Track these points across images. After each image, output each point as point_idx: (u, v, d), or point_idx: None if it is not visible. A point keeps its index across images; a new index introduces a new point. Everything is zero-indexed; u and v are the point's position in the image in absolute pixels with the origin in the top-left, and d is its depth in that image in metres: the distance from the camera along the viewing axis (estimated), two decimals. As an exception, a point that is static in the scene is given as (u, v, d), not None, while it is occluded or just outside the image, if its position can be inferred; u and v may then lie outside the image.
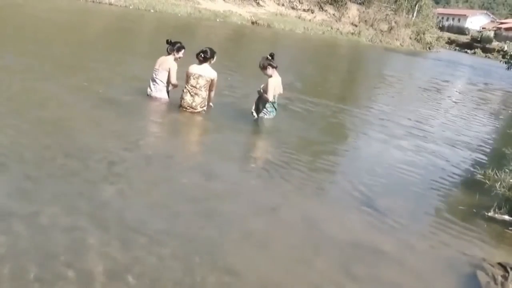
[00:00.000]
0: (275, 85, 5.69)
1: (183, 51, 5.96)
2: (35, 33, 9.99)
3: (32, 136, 4.08)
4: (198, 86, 5.62)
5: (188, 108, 5.67)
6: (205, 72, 5.66)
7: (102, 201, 3.19)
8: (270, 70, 5.66)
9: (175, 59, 5.92)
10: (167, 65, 5.86)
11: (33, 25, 11.27)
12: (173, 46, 5.90)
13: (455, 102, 11.93)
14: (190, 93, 5.64)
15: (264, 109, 5.82)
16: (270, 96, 5.69)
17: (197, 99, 5.65)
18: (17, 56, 7.10)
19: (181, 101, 5.71)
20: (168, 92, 6.00)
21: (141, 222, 3.03)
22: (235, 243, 3.05)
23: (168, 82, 5.94)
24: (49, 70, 6.63)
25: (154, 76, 5.92)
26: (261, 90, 5.77)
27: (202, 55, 5.65)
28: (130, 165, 3.88)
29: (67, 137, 4.22)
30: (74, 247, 2.64)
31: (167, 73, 5.88)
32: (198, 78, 5.62)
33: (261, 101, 5.84)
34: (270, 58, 5.69)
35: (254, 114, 5.83)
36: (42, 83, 5.83)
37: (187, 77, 5.66)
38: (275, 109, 5.88)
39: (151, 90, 5.95)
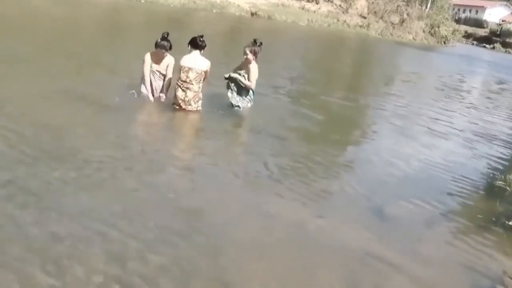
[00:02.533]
0: (257, 72, 6.06)
1: (158, 49, 5.81)
2: (20, 26, 9.98)
3: (18, 139, 4.08)
4: (188, 80, 5.63)
5: (181, 104, 5.68)
6: (196, 63, 5.65)
7: (88, 208, 3.18)
8: (253, 57, 6.05)
9: (154, 55, 5.86)
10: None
11: (19, 16, 11.27)
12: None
13: (475, 101, 11.92)
14: (181, 88, 5.66)
15: (247, 97, 6.15)
16: (254, 84, 6.08)
17: (189, 94, 5.67)
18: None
19: (174, 97, 5.74)
20: (153, 90, 5.97)
21: (130, 230, 3.03)
22: (232, 253, 3.04)
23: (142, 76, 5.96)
24: (30, 66, 6.62)
25: None
26: (241, 77, 6.04)
27: (202, 40, 5.66)
28: (117, 169, 3.88)
29: (53, 138, 4.22)
30: (60, 260, 2.63)
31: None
32: (188, 71, 5.62)
33: (242, 89, 6.11)
34: (259, 45, 6.05)
35: (234, 102, 6.10)
36: (25, 82, 5.83)
37: (178, 71, 5.68)
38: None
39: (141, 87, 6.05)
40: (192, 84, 5.65)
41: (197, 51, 5.70)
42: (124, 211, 3.25)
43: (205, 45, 5.75)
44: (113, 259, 2.71)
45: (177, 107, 5.71)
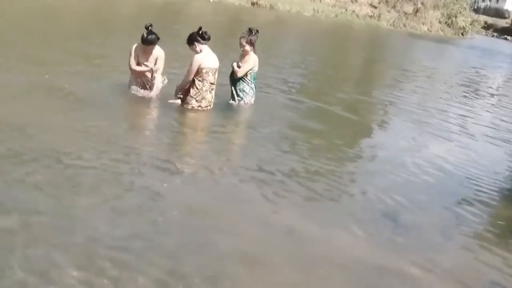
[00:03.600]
0: (254, 63, 6.11)
1: (145, 44, 5.77)
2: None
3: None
4: (215, 81, 5.80)
5: (208, 107, 5.81)
6: (217, 62, 5.78)
7: (77, 217, 3.17)
8: (251, 48, 6.08)
9: (140, 49, 5.84)
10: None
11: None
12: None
13: (501, 99, 11.90)
14: (209, 90, 5.75)
15: (250, 92, 6.22)
16: (242, 72, 6.08)
17: (213, 94, 5.85)
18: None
19: (200, 101, 5.72)
20: (143, 84, 5.98)
21: (120, 239, 3.02)
22: (231, 265, 3.02)
23: (137, 73, 5.92)
24: (7, 55, 6.60)
25: None
26: (235, 67, 6.13)
27: (204, 31, 5.63)
28: (106, 173, 3.87)
29: (35, 138, 4.21)
30: (39, 274, 2.62)
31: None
32: (215, 73, 5.75)
33: (236, 84, 6.19)
34: (254, 34, 6.06)
35: (232, 100, 6.21)
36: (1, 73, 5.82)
37: (202, 72, 5.63)
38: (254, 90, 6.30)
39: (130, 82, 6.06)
40: (215, 84, 5.81)
41: (207, 46, 5.71)
42: (113, 217, 3.24)
43: (210, 36, 5.74)
44: (100, 270, 2.70)
45: (194, 108, 5.73)
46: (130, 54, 5.85)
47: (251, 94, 6.25)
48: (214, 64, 5.71)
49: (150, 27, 5.66)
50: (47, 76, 6.03)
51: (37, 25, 9.95)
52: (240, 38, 6.08)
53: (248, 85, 6.19)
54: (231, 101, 6.22)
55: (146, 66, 5.82)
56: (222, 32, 14.49)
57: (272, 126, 5.92)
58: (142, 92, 5.93)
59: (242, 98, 6.20)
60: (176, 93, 5.84)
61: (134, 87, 5.95)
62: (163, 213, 3.46)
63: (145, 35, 5.65)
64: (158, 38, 5.75)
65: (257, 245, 3.30)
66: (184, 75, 5.76)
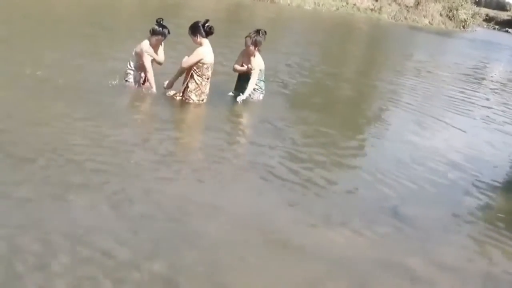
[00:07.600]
0: (258, 65, 6.14)
1: (158, 37, 5.85)
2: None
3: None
4: (210, 75, 5.82)
5: (204, 99, 5.84)
6: (213, 57, 5.76)
7: (73, 217, 3.18)
8: (255, 49, 6.08)
9: (150, 44, 5.86)
10: (138, 48, 5.87)
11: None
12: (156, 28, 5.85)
13: (503, 93, 11.87)
14: (207, 84, 5.81)
15: (259, 89, 6.28)
16: (256, 75, 6.11)
17: (208, 86, 5.88)
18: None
19: (200, 96, 5.78)
20: (143, 80, 6.02)
21: (118, 238, 3.03)
22: (233, 266, 3.02)
23: (140, 68, 5.94)
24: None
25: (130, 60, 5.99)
26: (247, 93, 6.13)
27: (210, 27, 5.65)
28: (103, 167, 3.89)
29: (38, 135, 4.22)
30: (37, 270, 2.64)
31: (139, 57, 5.89)
32: (211, 68, 5.80)
33: (246, 80, 6.20)
34: (262, 35, 6.02)
35: (238, 97, 6.18)
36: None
37: (202, 68, 5.68)
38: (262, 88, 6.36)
39: (127, 77, 6.03)
40: (209, 77, 5.84)
41: (207, 40, 5.69)
42: (112, 216, 3.26)
43: (213, 31, 5.74)
44: (99, 271, 2.70)
45: (199, 102, 5.79)
46: (143, 51, 5.77)
47: (260, 91, 6.31)
48: (212, 59, 5.77)
49: (161, 21, 5.74)
50: (39, 72, 5.96)
51: (31, 20, 9.88)
52: (246, 38, 6.06)
53: (256, 84, 6.22)
54: (237, 95, 6.23)
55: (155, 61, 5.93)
56: (223, 25, 14.45)
57: (272, 119, 5.94)
58: (137, 85, 5.99)
59: (250, 95, 6.23)
60: (168, 86, 5.86)
61: (131, 81, 5.97)
62: (158, 206, 3.47)
63: (161, 28, 5.74)
64: (169, 32, 5.85)
65: (252, 239, 3.31)
66: (181, 66, 5.75)
